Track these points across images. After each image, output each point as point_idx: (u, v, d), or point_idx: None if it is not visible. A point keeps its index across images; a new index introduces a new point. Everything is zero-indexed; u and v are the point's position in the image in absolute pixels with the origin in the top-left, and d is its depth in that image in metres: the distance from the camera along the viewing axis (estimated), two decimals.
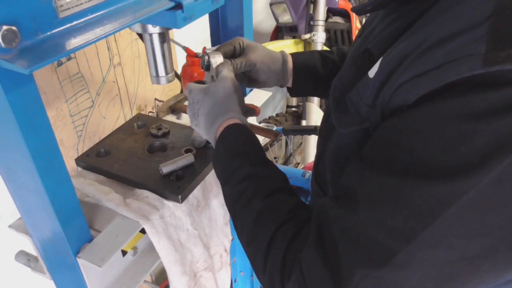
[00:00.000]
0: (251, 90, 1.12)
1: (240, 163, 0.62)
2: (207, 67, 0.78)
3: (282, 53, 0.86)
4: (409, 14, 0.50)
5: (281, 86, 0.88)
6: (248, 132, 0.68)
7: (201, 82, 0.81)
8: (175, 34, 1.43)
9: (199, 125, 0.74)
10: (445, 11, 0.44)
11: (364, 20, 2.33)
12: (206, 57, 0.78)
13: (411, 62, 0.44)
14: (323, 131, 0.69)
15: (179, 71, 1.06)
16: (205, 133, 0.73)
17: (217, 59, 0.78)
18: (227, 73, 0.75)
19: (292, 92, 0.89)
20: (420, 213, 0.41)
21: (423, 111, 0.42)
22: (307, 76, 0.87)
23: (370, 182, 0.46)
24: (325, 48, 1.98)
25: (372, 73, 0.50)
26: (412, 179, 0.42)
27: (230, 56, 0.82)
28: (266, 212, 0.56)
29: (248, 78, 0.85)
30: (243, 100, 0.75)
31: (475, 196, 0.39)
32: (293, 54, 0.87)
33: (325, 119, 0.72)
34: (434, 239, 0.41)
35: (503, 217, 0.40)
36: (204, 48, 0.96)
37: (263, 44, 0.87)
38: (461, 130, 0.39)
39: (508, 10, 0.38)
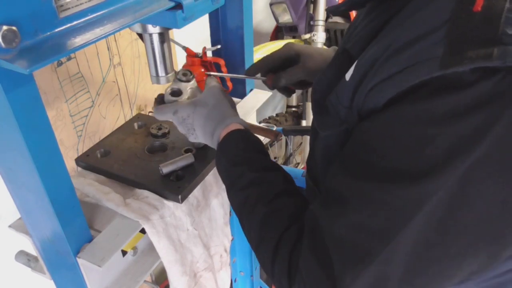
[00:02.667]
0: (251, 90, 1.12)
1: (241, 171, 0.63)
2: (186, 79, 0.79)
3: (334, 50, 0.84)
4: (385, 13, 0.51)
5: None
6: (247, 137, 0.69)
7: (161, 96, 0.81)
8: (175, 34, 1.43)
9: (198, 137, 0.75)
10: (411, 15, 0.45)
11: None
12: (187, 73, 0.79)
13: (380, 66, 0.46)
14: (313, 130, 0.70)
15: None
16: (207, 142, 0.74)
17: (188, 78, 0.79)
18: (213, 81, 0.77)
19: None
20: (396, 215, 0.43)
21: (390, 114, 0.44)
22: None
23: (349, 186, 0.48)
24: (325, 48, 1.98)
25: (348, 75, 0.52)
26: (385, 183, 0.44)
27: (283, 64, 0.81)
28: (269, 219, 0.57)
29: (304, 84, 0.84)
30: (233, 104, 0.76)
31: (444, 196, 0.41)
32: None
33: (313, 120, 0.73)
34: (412, 238, 0.43)
35: (476, 215, 0.42)
36: (204, 48, 0.96)
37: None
38: (425, 133, 0.41)
39: (464, 14, 0.39)
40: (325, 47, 1.96)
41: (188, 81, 0.79)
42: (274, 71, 0.82)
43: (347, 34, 0.64)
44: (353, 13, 2.05)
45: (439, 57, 0.39)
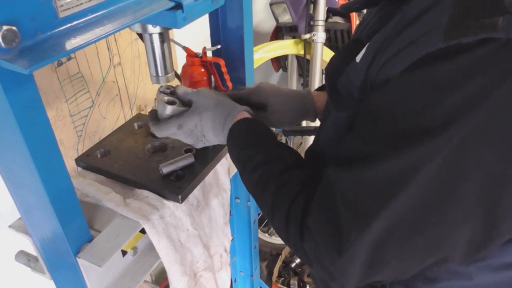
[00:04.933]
0: None
1: (250, 154, 0.66)
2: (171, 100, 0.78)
3: (307, 99, 0.85)
4: (397, 8, 0.52)
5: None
6: (252, 123, 0.71)
7: (154, 111, 0.80)
8: (175, 34, 1.43)
9: (207, 142, 0.77)
10: None
11: None
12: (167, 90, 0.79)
13: (391, 41, 0.47)
14: (325, 114, 0.73)
15: (179, 71, 1.06)
16: (218, 141, 0.76)
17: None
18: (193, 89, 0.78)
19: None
20: (397, 176, 0.45)
21: (397, 82, 0.46)
22: None
23: (357, 148, 0.51)
24: (325, 48, 1.98)
25: (359, 57, 0.54)
26: (388, 145, 0.46)
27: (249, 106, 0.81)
28: (280, 190, 0.60)
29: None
30: (229, 97, 0.78)
31: (442, 161, 0.42)
32: (317, 94, 0.87)
33: (323, 109, 0.77)
34: (412, 199, 0.45)
35: (473, 184, 0.43)
36: (204, 48, 0.96)
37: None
38: (425, 99, 0.43)
39: None
40: (325, 47, 1.96)
41: (172, 93, 0.80)
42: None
43: (359, 28, 0.66)
44: (354, 14, 2.05)
45: (443, 27, 0.40)
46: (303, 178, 0.60)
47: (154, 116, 0.79)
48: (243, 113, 0.73)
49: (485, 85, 0.39)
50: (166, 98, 0.78)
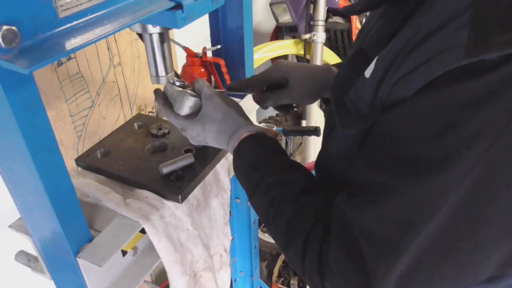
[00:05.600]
0: None
1: (261, 175, 0.63)
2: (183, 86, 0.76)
3: (328, 71, 0.82)
4: (401, 13, 0.51)
5: None
6: (262, 140, 0.68)
7: (164, 94, 0.78)
8: (175, 34, 1.43)
9: (211, 145, 0.75)
10: (431, 5, 0.44)
11: (364, 20, 2.33)
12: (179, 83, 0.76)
13: (404, 59, 0.45)
14: (327, 129, 0.70)
15: (179, 71, 1.06)
16: (222, 148, 0.74)
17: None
18: (209, 90, 0.74)
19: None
20: (422, 206, 0.43)
21: (413, 103, 0.44)
22: None
23: (374, 179, 0.48)
24: (325, 48, 1.98)
25: (368, 72, 0.51)
26: (409, 174, 0.44)
27: (271, 83, 0.79)
28: (295, 218, 0.57)
29: (290, 106, 0.84)
30: (239, 107, 0.74)
31: (470, 185, 0.40)
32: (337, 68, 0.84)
33: (325, 120, 0.72)
34: (440, 229, 0.43)
35: (503, 204, 0.41)
36: (204, 48, 0.96)
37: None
38: (448, 121, 0.40)
39: None
40: (325, 47, 1.96)
41: (183, 87, 0.77)
42: (263, 88, 0.81)
43: (361, 34, 0.64)
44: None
45: (464, 44, 0.38)
46: (319, 205, 0.57)
47: (165, 97, 0.76)
48: (247, 132, 0.69)
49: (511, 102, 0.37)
50: (190, 89, 0.76)
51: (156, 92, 0.79)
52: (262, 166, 0.64)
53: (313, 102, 0.85)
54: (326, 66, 0.83)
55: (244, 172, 0.66)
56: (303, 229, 0.55)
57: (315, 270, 0.53)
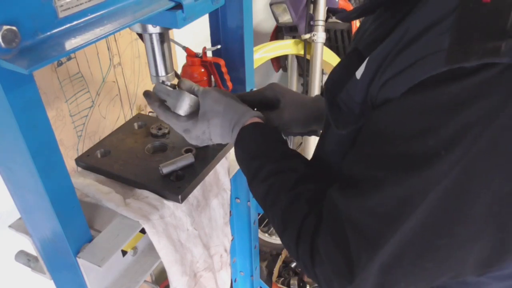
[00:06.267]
0: (251, 90, 1.12)
1: (260, 163, 0.65)
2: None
3: (319, 101, 0.82)
4: (395, 16, 0.52)
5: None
6: (262, 127, 0.69)
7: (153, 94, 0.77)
8: (175, 34, 1.43)
9: (214, 143, 0.76)
10: (421, 7, 0.45)
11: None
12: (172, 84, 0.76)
13: (392, 60, 0.46)
14: (324, 127, 0.71)
15: (179, 71, 1.06)
16: (224, 142, 0.75)
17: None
18: (201, 87, 0.75)
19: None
20: (403, 202, 0.45)
21: (399, 104, 0.45)
22: None
23: (362, 173, 0.50)
24: (325, 48, 1.98)
25: (359, 73, 0.53)
26: (392, 170, 0.46)
27: (261, 105, 0.80)
28: (291, 205, 0.59)
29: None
30: (236, 97, 0.75)
31: (448, 185, 0.42)
32: None
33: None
34: (420, 225, 0.44)
35: (480, 206, 0.42)
36: (204, 48, 0.96)
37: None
38: (429, 122, 0.42)
39: (472, 3, 0.39)
40: (325, 47, 1.96)
41: (174, 88, 0.77)
42: (254, 107, 0.81)
43: (357, 36, 0.65)
44: None
45: (445, 50, 0.39)
46: (315, 193, 0.59)
47: (160, 100, 0.76)
48: (253, 118, 0.71)
49: (490, 106, 0.38)
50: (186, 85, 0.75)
51: (147, 94, 0.78)
52: (262, 155, 0.66)
53: (301, 131, 0.85)
54: (317, 97, 0.85)
55: (244, 159, 0.68)
56: (298, 216, 0.57)
57: (307, 256, 0.55)
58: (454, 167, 0.41)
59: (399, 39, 0.46)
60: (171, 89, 0.74)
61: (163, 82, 0.76)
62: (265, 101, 0.81)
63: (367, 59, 0.51)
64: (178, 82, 0.78)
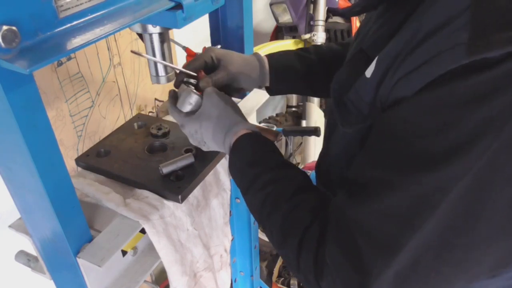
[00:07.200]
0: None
1: (257, 171, 0.63)
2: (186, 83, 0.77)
3: (258, 57, 0.85)
4: (400, 12, 0.51)
5: (259, 88, 0.88)
6: (258, 139, 0.68)
7: (175, 92, 0.79)
8: (175, 34, 1.43)
9: (210, 147, 0.76)
10: (430, 5, 0.45)
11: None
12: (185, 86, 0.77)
13: (404, 59, 0.45)
14: (328, 129, 0.70)
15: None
16: (221, 151, 0.74)
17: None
18: (210, 88, 0.75)
19: (271, 91, 0.90)
20: (421, 202, 0.43)
21: (414, 101, 0.44)
22: (284, 76, 0.87)
23: (374, 176, 0.48)
24: None
25: (369, 72, 0.51)
26: (409, 170, 0.44)
27: (206, 70, 0.80)
28: (290, 215, 0.57)
29: (228, 89, 0.83)
30: (237, 106, 0.75)
31: (470, 181, 0.40)
32: (268, 56, 0.87)
33: (326, 120, 0.73)
34: (439, 225, 0.43)
35: (503, 201, 0.41)
36: (204, 48, 0.96)
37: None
38: (449, 117, 0.41)
39: None
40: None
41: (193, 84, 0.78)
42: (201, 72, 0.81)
43: (360, 35, 0.64)
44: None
45: (465, 44, 0.38)
46: (316, 203, 0.57)
47: (174, 96, 0.78)
48: (245, 130, 0.69)
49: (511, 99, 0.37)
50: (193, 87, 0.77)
51: (170, 90, 0.81)
52: (259, 163, 0.64)
53: (252, 86, 0.85)
54: (256, 54, 0.86)
55: (240, 168, 0.66)
56: (299, 226, 0.55)
57: (310, 269, 0.53)
58: (478, 161, 0.39)
59: (411, 38, 0.45)
60: (185, 86, 0.76)
61: (186, 82, 0.78)
62: (207, 65, 0.81)
63: (376, 58, 0.50)
64: (201, 80, 0.79)
